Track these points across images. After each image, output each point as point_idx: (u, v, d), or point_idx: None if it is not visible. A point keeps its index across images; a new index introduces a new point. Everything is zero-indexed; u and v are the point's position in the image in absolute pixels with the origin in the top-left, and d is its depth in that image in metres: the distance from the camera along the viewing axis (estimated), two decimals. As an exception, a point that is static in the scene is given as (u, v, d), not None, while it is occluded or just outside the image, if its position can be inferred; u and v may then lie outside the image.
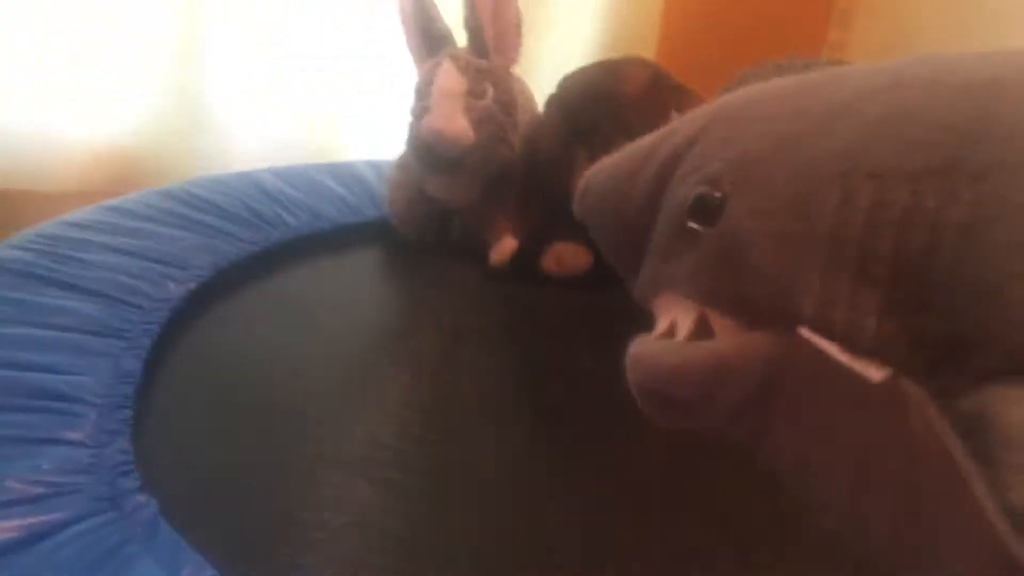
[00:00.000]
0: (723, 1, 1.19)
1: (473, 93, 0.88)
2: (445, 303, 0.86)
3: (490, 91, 0.89)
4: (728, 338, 0.29)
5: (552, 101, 0.89)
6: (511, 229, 0.91)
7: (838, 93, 0.28)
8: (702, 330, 0.31)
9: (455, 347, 0.77)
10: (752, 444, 0.31)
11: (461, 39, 0.94)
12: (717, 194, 0.30)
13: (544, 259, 0.92)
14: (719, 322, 0.30)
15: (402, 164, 0.98)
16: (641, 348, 0.33)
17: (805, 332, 0.26)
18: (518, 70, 1.01)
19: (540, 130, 0.89)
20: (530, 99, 1.00)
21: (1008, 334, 0.22)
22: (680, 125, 0.35)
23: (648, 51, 1.16)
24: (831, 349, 0.25)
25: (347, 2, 1.19)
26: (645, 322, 0.35)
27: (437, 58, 0.90)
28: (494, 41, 0.91)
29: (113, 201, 0.89)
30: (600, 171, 0.39)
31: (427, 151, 0.89)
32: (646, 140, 0.37)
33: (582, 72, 0.88)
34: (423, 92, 0.90)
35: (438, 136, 0.87)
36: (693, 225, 0.30)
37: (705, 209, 0.30)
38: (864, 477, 0.27)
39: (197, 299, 0.77)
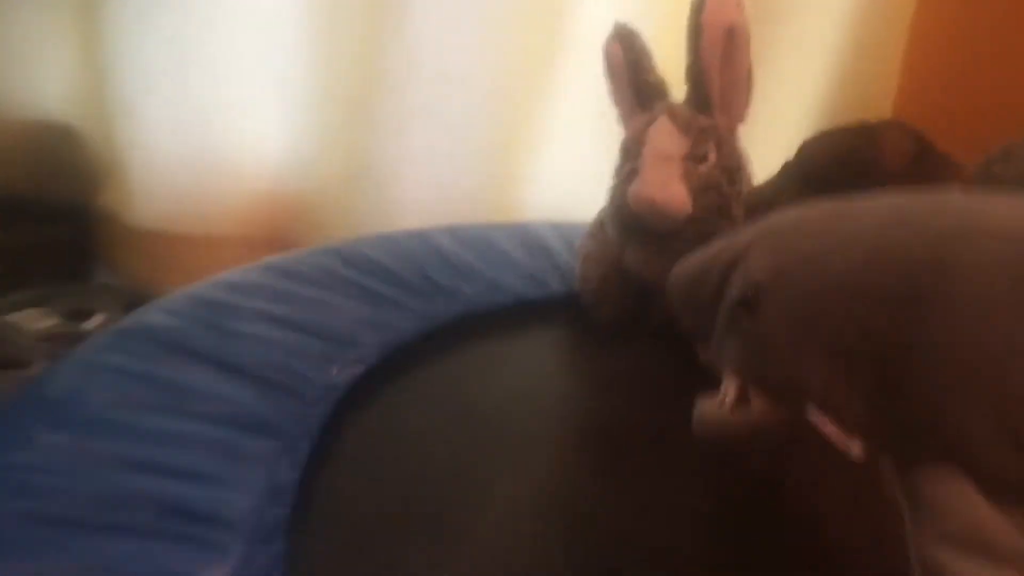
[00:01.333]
0: (976, 54, 1.01)
1: (693, 156, 0.74)
2: (642, 401, 0.72)
3: (712, 154, 0.75)
4: (759, 407, 0.38)
5: (791, 170, 0.74)
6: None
7: (856, 223, 0.35)
8: (744, 397, 0.40)
9: (649, 458, 0.63)
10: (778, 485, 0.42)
11: (678, 92, 0.80)
12: (756, 295, 0.36)
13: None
14: (754, 393, 0.39)
15: (597, 234, 0.85)
16: (699, 408, 0.44)
17: (811, 414, 0.34)
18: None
19: (777, 204, 0.73)
20: (747, 165, 0.85)
21: (936, 430, 0.29)
22: (741, 233, 0.42)
23: (883, 114, 1.00)
24: (828, 429, 0.34)
25: (531, 41, 1.07)
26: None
27: (650, 113, 0.77)
28: (720, 95, 0.77)
29: (277, 259, 0.80)
30: (682, 268, 0.46)
31: (633, 221, 0.76)
32: (715, 244, 0.44)
33: (829, 137, 0.72)
34: (632, 151, 0.77)
35: (649, 206, 0.73)
36: (738, 318, 0.37)
37: (746, 307, 0.36)
38: (852, 524, 0.37)
39: (362, 386, 0.66)
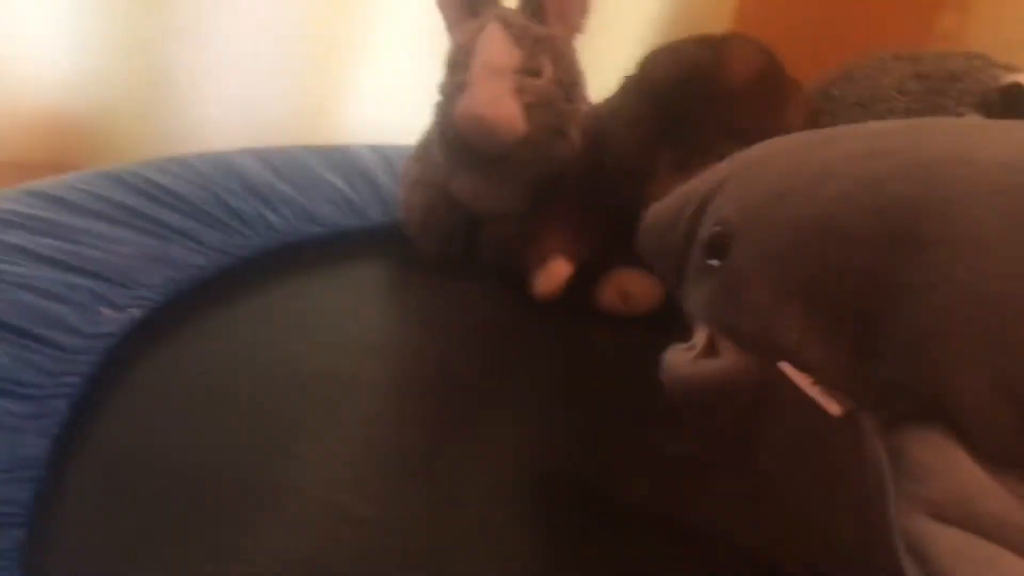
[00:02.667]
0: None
1: (527, 69, 0.67)
2: (467, 341, 0.65)
3: (549, 67, 0.68)
4: (728, 358, 0.36)
5: (631, 86, 0.67)
6: (563, 249, 0.69)
7: (831, 153, 0.31)
8: (712, 348, 0.37)
9: (473, 401, 0.56)
10: (745, 460, 0.37)
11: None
12: (726, 235, 0.33)
13: (603, 290, 0.71)
14: (724, 344, 0.36)
15: (422, 156, 0.76)
16: (668, 356, 0.40)
17: (785, 367, 0.31)
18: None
19: (613, 123, 0.67)
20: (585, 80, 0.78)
21: (924, 384, 0.26)
22: (711, 172, 0.38)
23: (723, 28, 0.95)
24: (804, 383, 0.31)
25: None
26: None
27: (480, 20, 0.69)
28: (556, 2, 0.69)
29: (40, 183, 0.67)
30: (653, 212, 0.42)
31: (461, 142, 0.68)
32: (688, 184, 0.40)
33: (674, 51, 0.66)
34: (459, 64, 0.68)
35: (478, 123, 0.65)
36: (708, 261, 0.34)
37: (716, 247, 0.33)
38: (831, 490, 0.33)
39: (140, 335, 0.55)
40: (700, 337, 0.38)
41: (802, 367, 0.30)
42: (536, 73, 0.67)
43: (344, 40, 0.96)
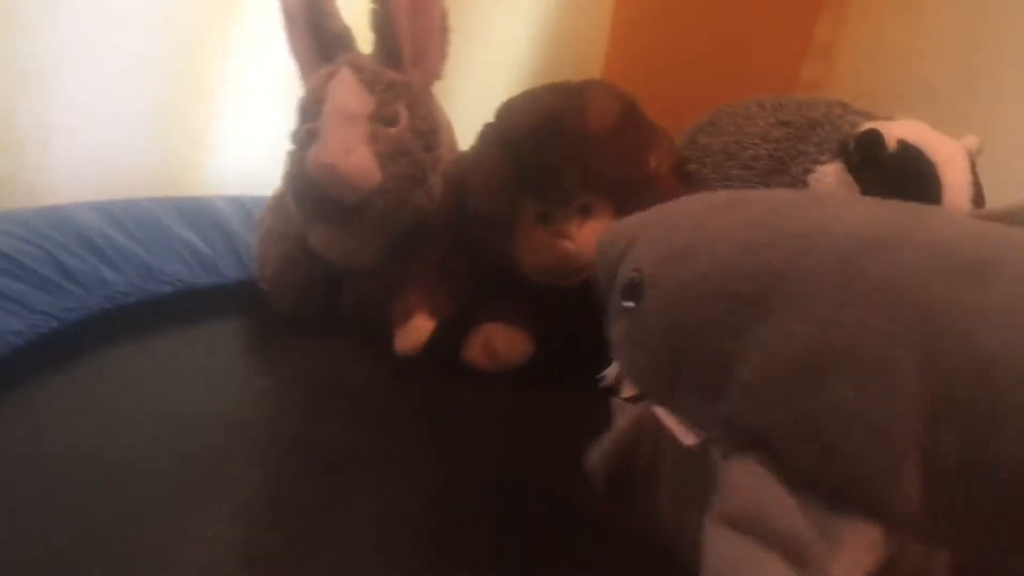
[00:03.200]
0: (681, 22, 0.98)
1: (381, 116, 0.64)
2: (328, 404, 0.61)
3: (404, 115, 0.65)
4: (624, 418, 0.42)
5: (490, 134, 0.65)
6: (425, 304, 0.66)
7: (728, 217, 0.36)
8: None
9: (330, 474, 0.51)
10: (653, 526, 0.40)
11: (365, 44, 0.69)
12: (640, 282, 0.36)
13: (469, 346, 0.67)
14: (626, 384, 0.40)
15: (277, 207, 0.72)
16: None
17: (656, 409, 0.36)
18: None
19: (474, 173, 0.64)
20: (450, 129, 0.75)
21: (750, 418, 0.30)
22: (635, 217, 0.41)
23: (593, 71, 0.95)
24: (663, 415, 0.35)
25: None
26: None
27: (332, 66, 0.66)
28: (412, 46, 0.67)
29: None
30: (602, 240, 0.43)
31: (314, 193, 0.64)
32: (618, 225, 0.43)
33: (532, 98, 0.64)
34: (311, 111, 0.65)
35: (330, 173, 0.62)
36: (624, 303, 0.37)
37: (631, 291, 0.37)
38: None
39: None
40: (612, 371, 0.41)
41: (671, 406, 0.35)
42: (391, 121, 0.64)
43: (203, 87, 0.91)
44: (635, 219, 0.41)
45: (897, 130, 0.67)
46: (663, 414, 0.35)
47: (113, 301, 0.65)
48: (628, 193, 0.63)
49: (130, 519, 0.44)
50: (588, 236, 0.62)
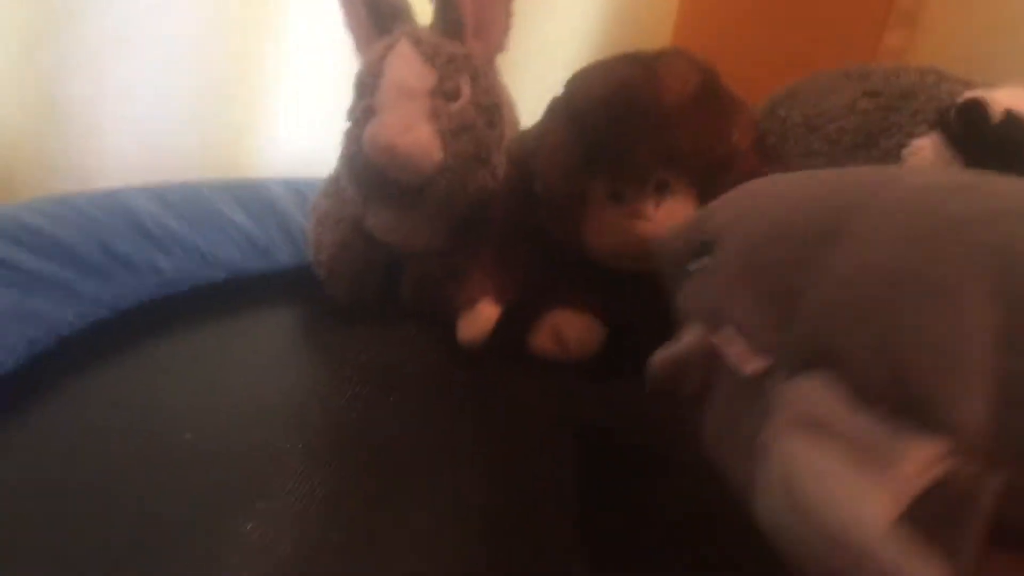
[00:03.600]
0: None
1: (442, 91, 0.60)
2: (386, 394, 0.57)
3: (466, 90, 0.61)
4: (688, 337, 0.40)
5: (558, 108, 0.61)
6: (490, 290, 0.62)
7: (810, 179, 0.40)
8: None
9: (393, 464, 0.48)
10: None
11: (424, 17, 0.65)
12: (710, 243, 0.39)
13: (537, 334, 0.64)
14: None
15: (334, 191, 0.69)
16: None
17: (720, 338, 0.36)
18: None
19: (542, 150, 0.60)
20: (513, 105, 0.71)
21: (824, 347, 0.31)
22: (703, 209, 0.45)
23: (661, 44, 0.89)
24: (722, 345, 0.36)
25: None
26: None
27: (389, 39, 0.62)
28: (474, 18, 0.63)
29: None
30: (672, 230, 0.46)
31: (371, 173, 0.61)
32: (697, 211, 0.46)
33: (603, 69, 0.60)
34: (368, 86, 0.61)
35: (389, 152, 0.58)
36: (696, 263, 0.40)
37: (704, 250, 0.40)
38: (747, 449, 0.33)
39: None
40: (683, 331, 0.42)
41: (744, 335, 0.35)
42: (452, 96, 0.60)
43: (255, 67, 0.88)
44: (703, 209, 0.44)
45: (1003, 98, 0.61)
46: (724, 340, 0.36)
47: (165, 288, 0.62)
48: (708, 170, 0.58)
49: (181, 513, 0.41)
50: (665, 217, 0.58)
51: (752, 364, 0.34)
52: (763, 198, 0.40)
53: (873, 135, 0.68)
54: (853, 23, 0.92)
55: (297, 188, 0.80)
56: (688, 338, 0.40)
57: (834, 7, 0.92)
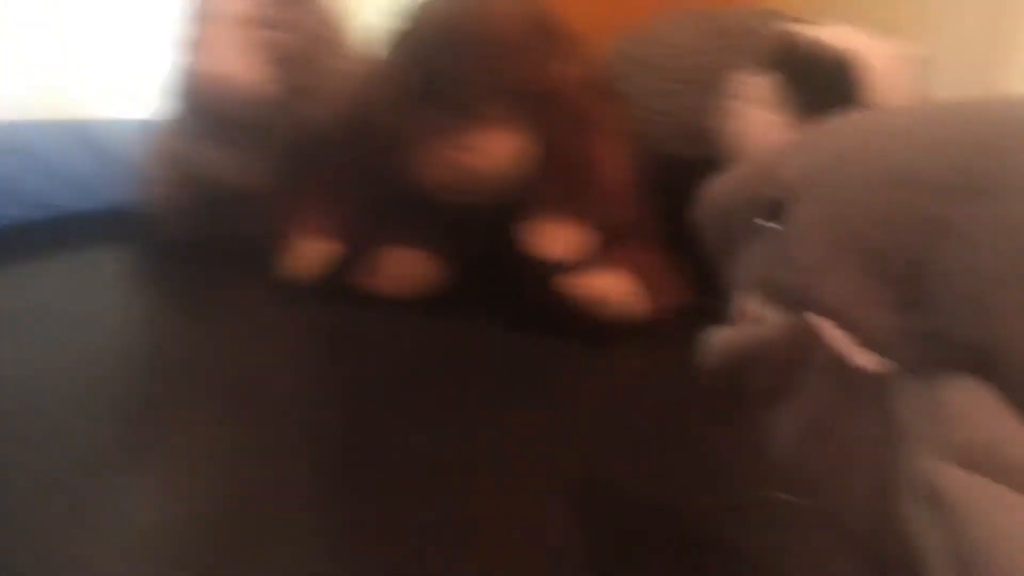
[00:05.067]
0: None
1: (268, 19, 0.58)
2: (219, 332, 0.56)
3: (298, 19, 0.59)
4: (772, 321, 0.33)
5: (394, 41, 0.60)
6: (322, 226, 0.61)
7: (901, 121, 0.33)
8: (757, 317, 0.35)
9: (226, 405, 0.47)
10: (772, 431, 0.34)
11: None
12: (785, 198, 0.33)
13: (371, 272, 0.63)
14: (770, 312, 0.33)
15: (166, 128, 0.66)
16: (707, 338, 0.37)
17: (814, 319, 0.30)
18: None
19: (375, 82, 0.59)
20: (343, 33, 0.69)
21: (970, 334, 0.25)
22: (773, 148, 0.39)
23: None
24: (832, 336, 0.29)
25: None
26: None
27: (216, -34, 0.60)
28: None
29: None
30: (715, 184, 0.41)
31: (200, 107, 0.59)
32: (750, 159, 0.42)
33: (438, 7, 0.59)
34: (195, 15, 0.59)
35: (215, 83, 0.57)
36: (762, 222, 0.34)
37: (773, 209, 0.33)
38: (845, 459, 0.29)
39: None
40: (746, 305, 0.36)
41: (843, 323, 0.29)
42: (283, 25, 0.58)
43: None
44: (766, 151, 0.40)
45: (829, 36, 0.63)
46: (828, 329, 0.30)
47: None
48: (529, 103, 0.59)
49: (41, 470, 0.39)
50: (490, 148, 0.58)
51: (865, 359, 0.28)
52: (850, 143, 0.33)
53: (716, 72, 0.69)
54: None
55: (125, 127, 0.76)
56: (769, 322, 0.34)
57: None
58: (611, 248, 0.63)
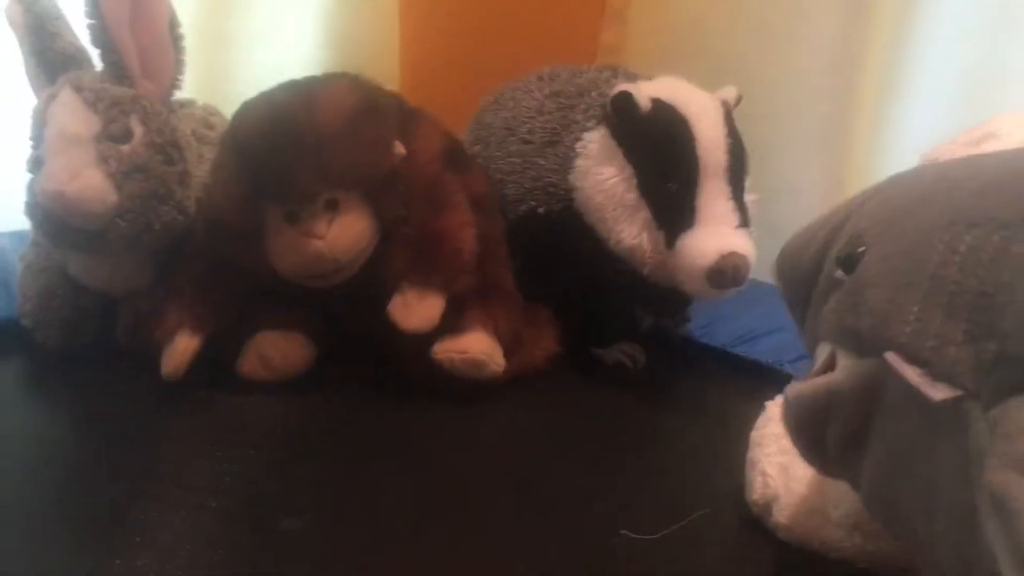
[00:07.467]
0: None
1: (109, 135, 0.61)
2: (101, 440, 0.59)
3: (138, 130, 0.62)
4: (844, 366, 0.35)
5: (227, 141, 0.63)
6: (187, 322, 0.63)
7: (961, 170, 0.35)
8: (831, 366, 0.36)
9: (114, 506, 0.50)
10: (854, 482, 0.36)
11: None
12: (860, 248, 0.35)
13: (245, 357, 0.66)
14: (841, 359, 0.35)
15: (36, 240, 0.69)
16: (788, 391, 0.38)
17: (889, 356, 0.31)
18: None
19: (214, 183, 0.62)
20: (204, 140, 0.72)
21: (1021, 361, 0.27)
22: (846, 202, 0.40)
23: (391, 61, 0.92)
24: (907, 371, 0.30)
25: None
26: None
27: (54, 88, 0.63)
28: (139, 59, 0.64)
29: None
30: (789, 243, 0.43)
31: (52, 222, 0.61)
32: (824, 214, 0.41)
33: (264, 99, 0.62)
34: (37, 137, 0.62)
35: (59, 201, 0.59)
36: (838, 275, 0.36)
37: (848, 260, 0.35)
38: (931, 501, 0.31)
39: None
40: (821, 356, 0.38)
41: (917, 357, 0.30)
42: (122, 138, 0.61)
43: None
44: (841, 206, 0.40)
45: (651, 89, 0.66)
46: (900, 364, 0.30)
47: None
48: (375, 184, 0.62)
49: None
50: (338, 232, 0.61)
51: (939, 391, 0.29)
52: (916, 192, 0.35)
53: (558, 132, 0.72)
54: (570, 25, 0.97)
55: (19, 238, 0.79)
56: (843, 367, 0.35)
57: (550, 11, 0.96)
58: (471, 310, 0.66)
